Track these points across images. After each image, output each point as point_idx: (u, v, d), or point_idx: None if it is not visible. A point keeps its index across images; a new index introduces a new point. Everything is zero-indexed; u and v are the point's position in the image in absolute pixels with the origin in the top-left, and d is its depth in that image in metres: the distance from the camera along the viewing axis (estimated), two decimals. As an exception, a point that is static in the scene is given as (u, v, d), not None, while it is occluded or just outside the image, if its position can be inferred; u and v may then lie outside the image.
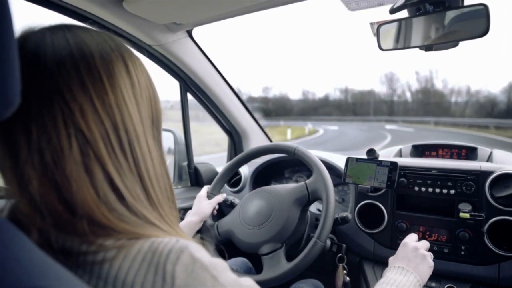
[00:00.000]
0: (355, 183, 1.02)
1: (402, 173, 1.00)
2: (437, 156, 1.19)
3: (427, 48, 0.77)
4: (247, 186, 1.32)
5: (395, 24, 0.77)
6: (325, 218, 0.83)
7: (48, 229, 0.30)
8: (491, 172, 0.90)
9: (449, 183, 0.94)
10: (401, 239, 0.75)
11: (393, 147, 1.27)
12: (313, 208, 1.26)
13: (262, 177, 1.36)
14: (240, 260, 1.10)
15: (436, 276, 0.91)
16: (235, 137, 1.54)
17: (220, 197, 1.03)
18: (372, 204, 1.03)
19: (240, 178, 1.33)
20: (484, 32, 0.65)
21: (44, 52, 0.32)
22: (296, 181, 1.37)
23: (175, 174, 1.44)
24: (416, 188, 0.98)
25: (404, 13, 0.75)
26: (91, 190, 0.31)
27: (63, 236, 0.30)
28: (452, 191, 0.93)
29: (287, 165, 1.39)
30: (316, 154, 0.95)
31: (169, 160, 1.41)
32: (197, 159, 1.44)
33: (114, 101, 0.34)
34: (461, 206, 0.90)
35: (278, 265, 0.83)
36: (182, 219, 0.97)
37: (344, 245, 0.96)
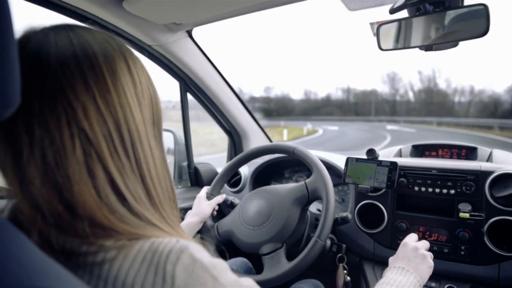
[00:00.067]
0: (355, 183, 1.02)
1: (402, 173, 1.00)
2: (437, 156, 1.19)
3: (427, 48, 0.77)
4: (247, 186, 1.32)
5: (395, 24, 0.77)
6: (325, 217, 0.83)
7: (49, 230, 0.30)
8: (491, 172, 0.90)
9: (449, 183, 0.94)
10: (401, 239, 0.75)
11: (393, 147, 1.27)
12: (313, 208, 1.26)
13: (262, 177, 1.36)
14: (240, 260, 1.10)
15: (436, 276, 0.91)
16: (235, 137, 1.54)
17: (219, 198, 1.03)
18: (372, 204, 1.03)
19: (240, 178, 1.33)
20: (484, 32, 0.65)
21: (47, 52, 0.32)
22: (296, 181, 1.37)
23: (175, 174, 1.44)
24: (416, 188, 0.98)
25: (404, 13, 0.75)
26: (93, 191, 0.31)
27: (63, 236, 0.30)
28: (452, 191, 0.93)
29: (287, 165, 1.39)
30: (316, 154, 0.95)
31: (169, 160, 1.41)
32: (196, 159, 1.44)
33: (117, 100, 0.34)
34: (461, 206, 0.90)
35: (278, 265, 0.83)
36: (182, 219, 0.97)
37: (344, 245, 0.96)
